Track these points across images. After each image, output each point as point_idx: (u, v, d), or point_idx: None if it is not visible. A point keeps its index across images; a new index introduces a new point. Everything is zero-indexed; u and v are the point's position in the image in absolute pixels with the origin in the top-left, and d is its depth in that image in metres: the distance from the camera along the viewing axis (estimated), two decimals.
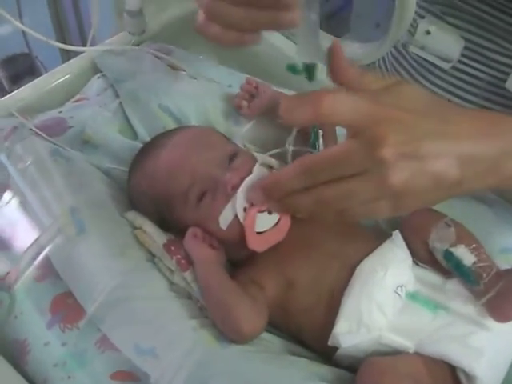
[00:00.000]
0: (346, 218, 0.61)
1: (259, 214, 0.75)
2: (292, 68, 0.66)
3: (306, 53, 0.61)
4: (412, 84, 0.64)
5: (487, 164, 0.58)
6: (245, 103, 0.99)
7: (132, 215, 0.85)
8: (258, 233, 0.76)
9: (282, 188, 0.61)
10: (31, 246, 0.81)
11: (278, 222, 0.76)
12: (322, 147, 0.83)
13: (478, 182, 0.59)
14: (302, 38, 0.60)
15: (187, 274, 0.78)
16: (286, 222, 0.77)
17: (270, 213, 0.73)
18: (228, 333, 0.74)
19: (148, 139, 0.95)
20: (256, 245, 0.76)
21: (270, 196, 0.63)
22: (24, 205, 0.85)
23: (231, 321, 0.73)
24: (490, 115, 0.64)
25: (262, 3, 0.56)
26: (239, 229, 0.75)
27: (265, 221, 0.76)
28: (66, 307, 0.76)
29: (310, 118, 0.56)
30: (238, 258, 0.81)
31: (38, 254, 0.80)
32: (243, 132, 0.99)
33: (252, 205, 0.74)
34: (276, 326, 0.79)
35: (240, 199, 0.75)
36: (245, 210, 0.75)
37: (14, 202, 0.86)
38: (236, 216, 0.76)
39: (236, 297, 0.75)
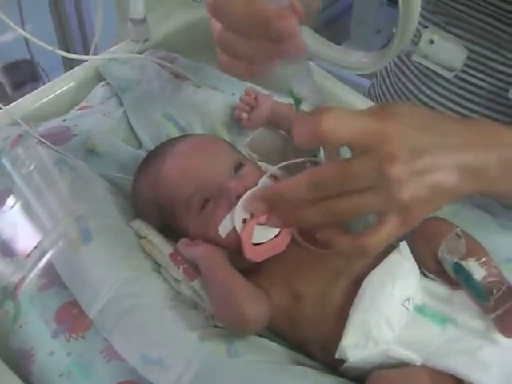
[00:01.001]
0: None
1: (258, 226, 0.75)
2: (296, 99, 0.67)
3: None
4: (403, 102, 0.65)
5: (483, 173, 0.61)
6: (245, 115, 0.98)
7: (137, 224, 0.84)
8: (256, 244, 0.76)
9: (286, 199, 0.61)
10: (35, 253, 0.81)
11: (278, 234, 0.76)
12: (322, 157, 0.82)
13: (474, 188, 0.62)
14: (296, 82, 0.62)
15: (195, 283, 0.78)
16: (287, 234, 0.77)
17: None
18: (229, 315, 0.74)
19: (152, 148, 0.95)
20: (252, 255, 0.76)
21: (273, 207, 0.63)
22: (28, 211, 0.85)
23: (235, 301, 0.73)
24: (487, 126, 0.67)
25: (267, 34, 0.58)
26: (237, 239, 0.75)
27: (264, 233, 0.76)
28: (71, 317, 0.76)
29: (310, 139, 0.57)
30: (242, 267, 0.81)
31: (42, 260, 0.80)
32: (247, 141, 0.99)
33: (252, 217, 0.74)
34: (281, 335, 0.79)
35: (240, 210, 0.75)
36: (244, 221, 0.75)
37: (18, 208, 0.86)
38: (235, 226, 0.76)
39: (241, 281, 0.75)
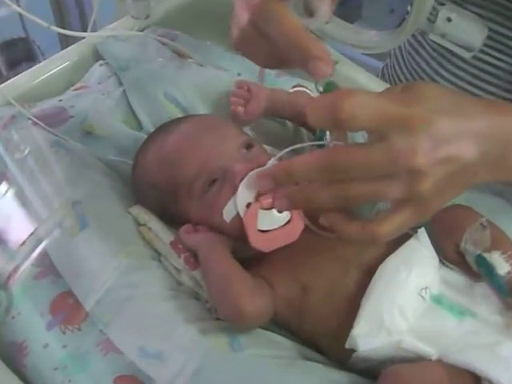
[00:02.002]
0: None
1: (264, 211, 0.72)
2: None
3: None
4: (428, 82, 0.63)
5: (498, 156, 0.59)
6: (240, 109, 0.96)
7: (136, 210, 0.83)
8: (264, 231, 0.73)
9: (295, 178, 0.59)
10: (29, 240, 0.79)
11: (288, 222, 0.74)
12: (329, 141, 0.80)
13: (489, 174, 0.61)
14: None
15: (196, 273, 0.76)
16: (298, 222, 0.74)
17: (279, 211, 0.70)
18: (227, 310, 0.73)
19: (153, 130, 0.93)
20: (259, 243, 0.73)
21: (279, 184, 0.61)
22: (22, 197, 0.84)
23: (231, 295, 0.71)
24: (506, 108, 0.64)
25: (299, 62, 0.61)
26: (242, 224, 0.74)
27: (271, 219, 0.73)
28: (67, 307, 0.75)
29: (329, 124, 0.55)
30: (246, 256, 0.79)
31: (37, 249, 0.79)
32: (252, 124, 0.97)
33: (257, 200, 0.72)
34: (288, 328, 0.77)
35: (243, 191, 0.73)
36: (249, 205, 0.73)
37: (12, 194, 0.85)
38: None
39: (239, 273, 0.74)
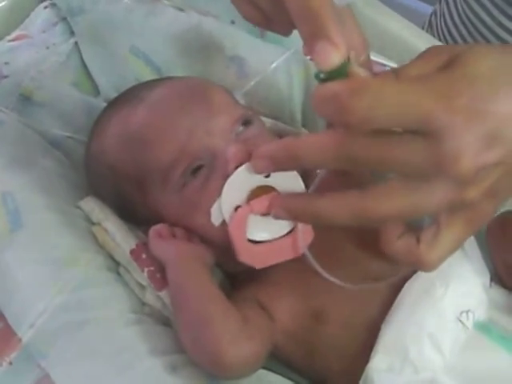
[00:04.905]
0: None
1: (258, 217, 0.71)
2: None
3: None
4: (482, 46, 0.61)
5: None
6: None
7: (89, 205, 0.84)
8: (257, 242, 0.72)
9: (301, 164, 0.58)
10: None
11: (291, 231, 0.72)
12: None
13: None
14: None
15: (164, 294, 0.77)
16: (305, 231, 0.72)
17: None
18: (200, 358, 0.72)
19: (114, 95, 0.93)
20: (249, 258, 0.72)
21: (279, 168, 0.61)
22: None
23: (207, 339, 0.70)
24: None
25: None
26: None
27: (267, 226, 0.71)
28: None
29: (339, 123, 0.55)
30: (239, 272, 0.79)
31: None
32: (250, 86, 0.98)
33: (248, 203, 0.71)
34: (289, 364, 0.78)
35: (230, 190, 0.72)
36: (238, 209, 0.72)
37: None
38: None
39: (220, 305, 0.73)
